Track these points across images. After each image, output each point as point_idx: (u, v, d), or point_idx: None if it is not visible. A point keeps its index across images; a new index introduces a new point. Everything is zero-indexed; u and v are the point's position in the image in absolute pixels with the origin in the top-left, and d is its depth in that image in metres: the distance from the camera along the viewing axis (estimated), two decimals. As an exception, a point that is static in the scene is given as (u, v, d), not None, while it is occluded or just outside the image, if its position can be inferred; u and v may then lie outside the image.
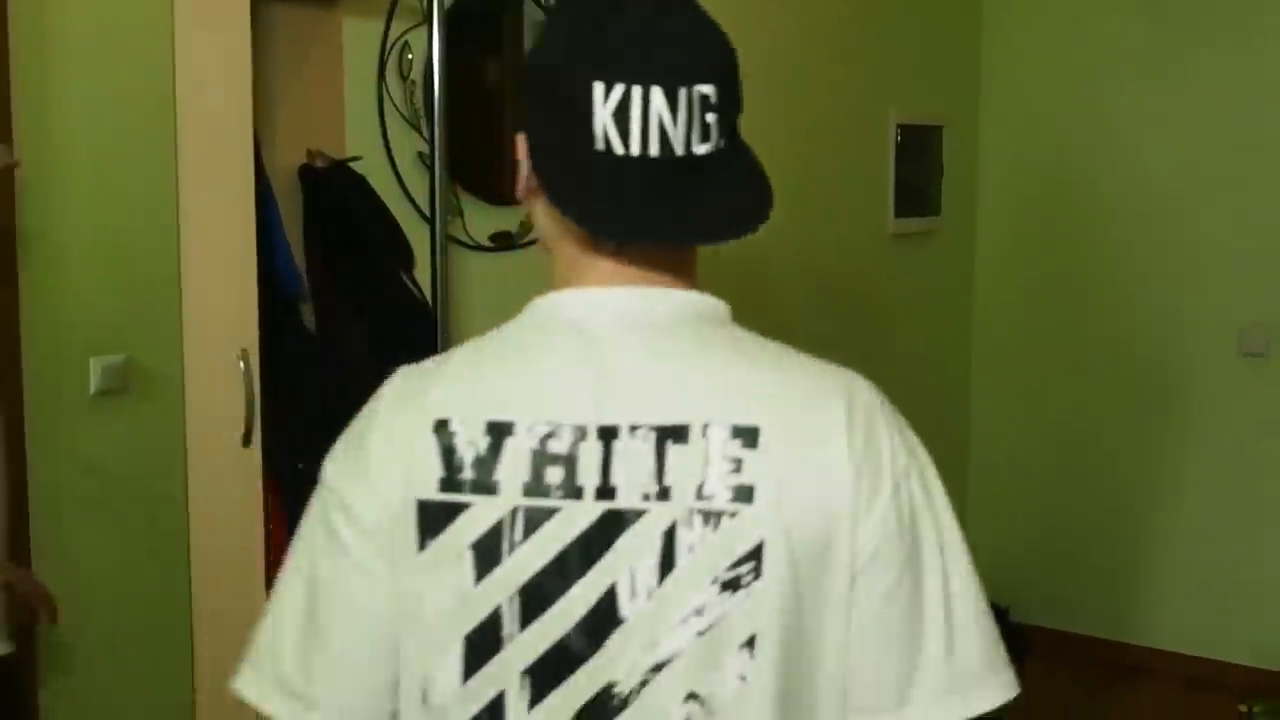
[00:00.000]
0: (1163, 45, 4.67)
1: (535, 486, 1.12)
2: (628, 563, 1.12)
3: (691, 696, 1.12)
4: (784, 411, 1.16)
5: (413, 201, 2.82)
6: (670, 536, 1.12)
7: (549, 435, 1.13)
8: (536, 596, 1.12)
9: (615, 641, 1.12)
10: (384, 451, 1.18)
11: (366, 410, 1.24)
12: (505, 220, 3.07)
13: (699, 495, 1.12)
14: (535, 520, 1.12)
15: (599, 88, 1.16)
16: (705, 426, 1.14)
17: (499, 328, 1.27)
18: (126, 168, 2.09)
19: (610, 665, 1.12)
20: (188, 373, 2.00)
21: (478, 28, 3.00)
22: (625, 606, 1.12)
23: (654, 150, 1.16)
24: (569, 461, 1.13)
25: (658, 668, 1.12)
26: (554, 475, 1.12)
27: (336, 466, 1.22)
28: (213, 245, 2.00)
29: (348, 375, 2.59)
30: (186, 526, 2.01)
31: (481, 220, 2.99)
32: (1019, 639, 5.01)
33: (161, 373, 2.12)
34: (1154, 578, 4.81)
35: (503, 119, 3.17)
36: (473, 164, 2.94)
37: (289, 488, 2.31)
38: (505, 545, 1.12)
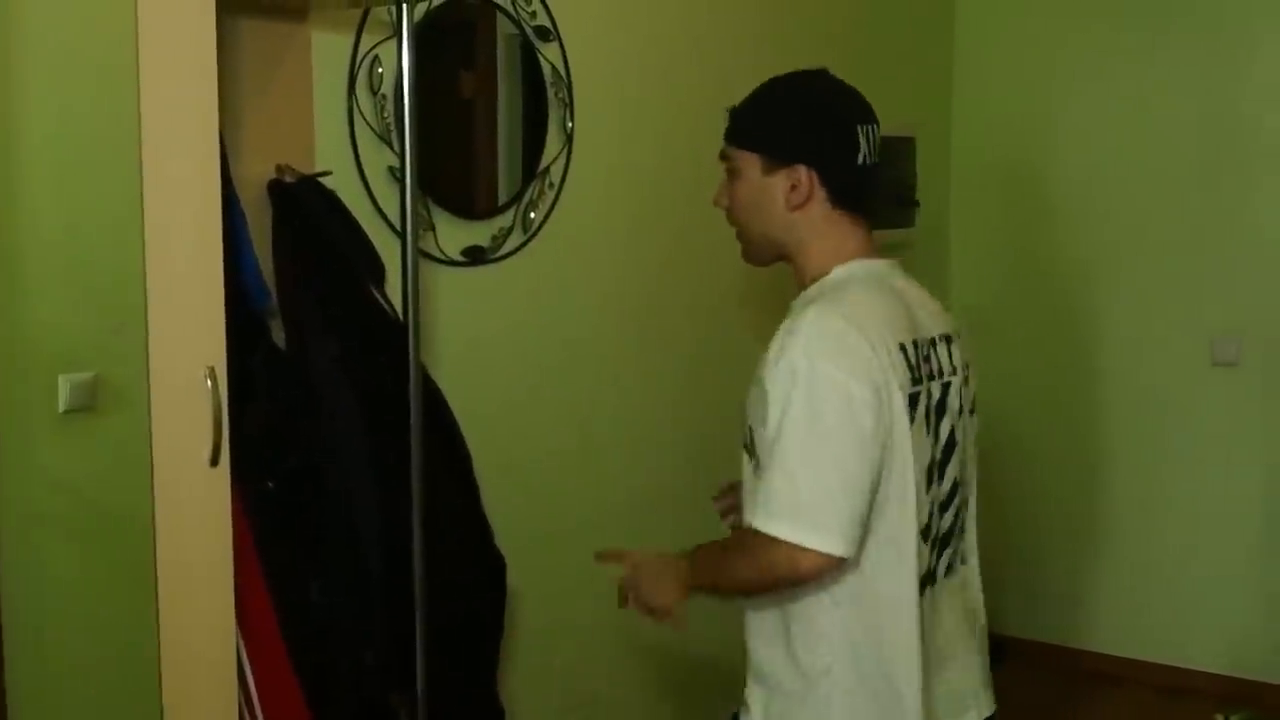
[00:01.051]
0: (1132, 55, 4.69)
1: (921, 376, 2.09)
2: (954, 407, 2.21)
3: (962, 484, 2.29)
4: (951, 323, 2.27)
5: (384, 216, 2.80)
6: (958, 392, 2.24)
7: (917, 344, 2.09)
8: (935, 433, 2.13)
9: (957, 451, 2.21)
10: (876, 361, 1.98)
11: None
12: (477, 235, 3.06)
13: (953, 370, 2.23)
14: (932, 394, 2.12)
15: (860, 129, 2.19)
16: (943, 335, 2.21)
17: (846, 286, 2.12)
18: (92, 183, 2.07)
19: (956, 466, 2.23)
20: (154, 390, 1.98)
21: (450, 40, 3.00)
22: (958, 432, 2.21)
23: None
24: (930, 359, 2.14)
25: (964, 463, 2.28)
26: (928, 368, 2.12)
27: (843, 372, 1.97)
28: (179, 260, 1.99)
29: (317, 391, 2.58)
30: (153, 545, 1.99)
31: (453, 234, 2.99)
32: (996, 649, 5.01)
33: (129, 390, 2.10)
34: (1128, 586, 4.82)
35: (475, 132, 3.17)
36: (444, 178, 2.93)
37: (255, 507, 2.29)
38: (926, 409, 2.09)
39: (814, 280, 2.14)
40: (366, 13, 2.73)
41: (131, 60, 1.92)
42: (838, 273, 2.12)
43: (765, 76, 4.02)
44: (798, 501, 1.91)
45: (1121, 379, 4.79)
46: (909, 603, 2.04)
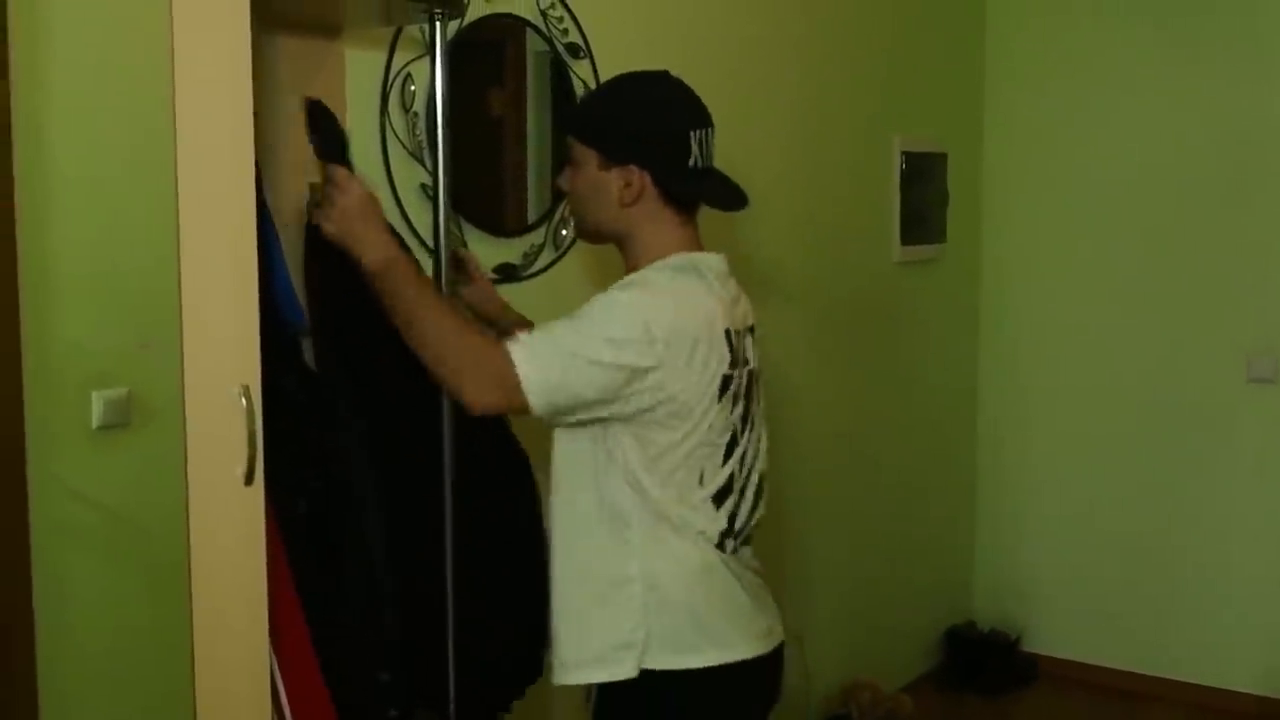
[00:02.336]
0: (1167, 69, 4.67)
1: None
2: (755, 393, 2.39)
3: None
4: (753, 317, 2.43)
5: (415, 233, 2.81)
6: (758, 379, 2.40)
7: (738, 332, 2.33)
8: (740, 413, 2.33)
9: (753, 433, 2.38)
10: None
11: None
12: (508, 252, 3.06)
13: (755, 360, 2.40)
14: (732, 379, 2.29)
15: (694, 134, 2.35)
16: (749, 327, 2.40)
17: (667, 270, 2.29)
18: (127, 200, 2.08)
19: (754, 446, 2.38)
20: (189, 407, 1.98)
21: (480, 58, 3.00)
22: (756, 417, 2.39)
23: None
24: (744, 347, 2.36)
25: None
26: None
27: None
28: (214, 278, 1.99)
29: (347, 412, 2.57)
30: (188, 564, 1.99)
31: (485, 252, 2.99)
32: (1028, 667, 5.00)
33: (163, 407, 2.10)
34: (1163, 605, 4.79)
35: (505, 149, 3.17)
36: (475, 196, 2.94)
37: (289, 527, 2.29)
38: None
39: (635, 268, 2.33)
40: (399, 31, 2.74)
41: (167, 77, 1.93)
42: (660, 262, 2.31)
43: (797, 96, 4.04)
44: (541, 353, 2.15)
45: (1156, 396, 4.76)
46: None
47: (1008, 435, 5.11)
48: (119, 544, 2.10)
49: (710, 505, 2.29)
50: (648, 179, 2.30)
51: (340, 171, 2.26)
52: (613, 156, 2.31)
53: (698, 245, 2.36)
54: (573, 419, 2.22)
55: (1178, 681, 4.75)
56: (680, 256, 2.31)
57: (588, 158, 2.33)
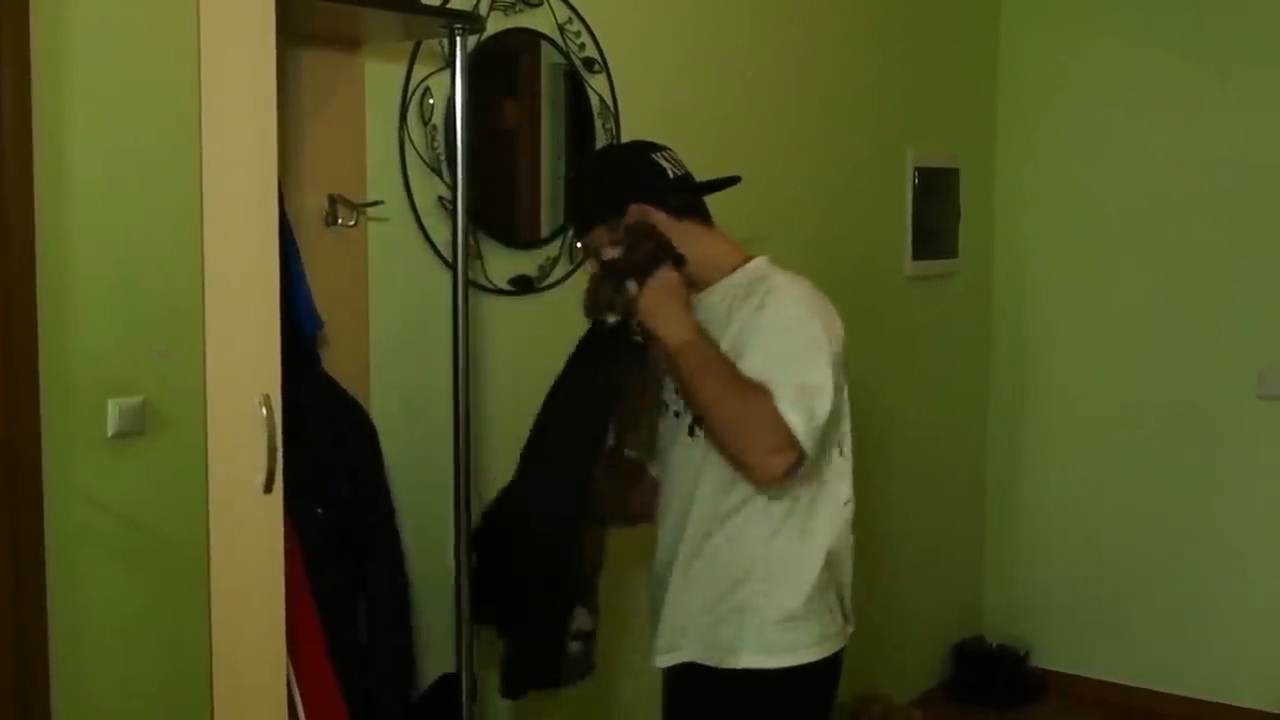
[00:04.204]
0: (1179, 87, 4.68)
1: None
2: None
3: None
4: None
5: (433, 245, 2.82)
6: None
7: None
8: None
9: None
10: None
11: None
12: (524, 264, 3.07)
13: None
14: None
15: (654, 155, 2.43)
16: None
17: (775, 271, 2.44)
18: (150, 209, 2.10)
19: None
20: (209, 415, 1.99)
21: (496, 72, 3.01)
22: None
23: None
24: None
25: None
26: None
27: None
28: (236, 287, 2.00)
29: (364, 420, 2.59)
30: (207, 572, 2.00)
31: (500, 264, 3.00)
32: (1036, 683, 4.99)
33: (180, 415, 2.12)
34: (1171, 621, 4.78)
35: (520, 162, 3.18)
36: (491, 208, 2.95)
37: (305, 533, 2.30)
38: None
39: (716, 274, 2.42)
40: (419, 44, 2.75)
41: (192, 89, 1.94)
42: (751, 267, 2.43)
43: (811, 110, 4.05)
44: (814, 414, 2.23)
45: (1167, 411, 4.76)
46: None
47: (1018, 450, 5.11)
48: (136, 551, 2.11)
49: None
50: (648, 208, 2.37)
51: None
52: (610, 216, 2.38)
53: (738, 246, 2.47)
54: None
55: (1187, 698, 4.74)
56: (760, 262, 2.43)
57: (600, 239, 2.40)
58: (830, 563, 2.39)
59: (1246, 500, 4.63)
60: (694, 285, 2.40)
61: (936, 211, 4.69)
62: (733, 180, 2.51)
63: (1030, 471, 5.08)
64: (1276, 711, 4.57)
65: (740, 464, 2.26)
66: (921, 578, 4.78)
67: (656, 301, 2.30)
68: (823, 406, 2.23)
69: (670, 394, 2.42)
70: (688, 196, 2.44)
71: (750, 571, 2.34)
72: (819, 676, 2.40)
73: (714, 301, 2.39)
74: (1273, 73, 4.51)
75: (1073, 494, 4.99)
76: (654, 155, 2.43)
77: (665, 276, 2.31)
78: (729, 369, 2.25)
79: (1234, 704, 4.65)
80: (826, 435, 2.29)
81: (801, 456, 2.22)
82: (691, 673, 2.41)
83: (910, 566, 4.70)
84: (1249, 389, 4.58)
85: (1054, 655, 5.00)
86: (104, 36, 2.03)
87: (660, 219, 2.38)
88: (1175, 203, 4.70)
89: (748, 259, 2.43)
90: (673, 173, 2.42)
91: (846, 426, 2.42)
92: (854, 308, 4.27)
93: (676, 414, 2.41)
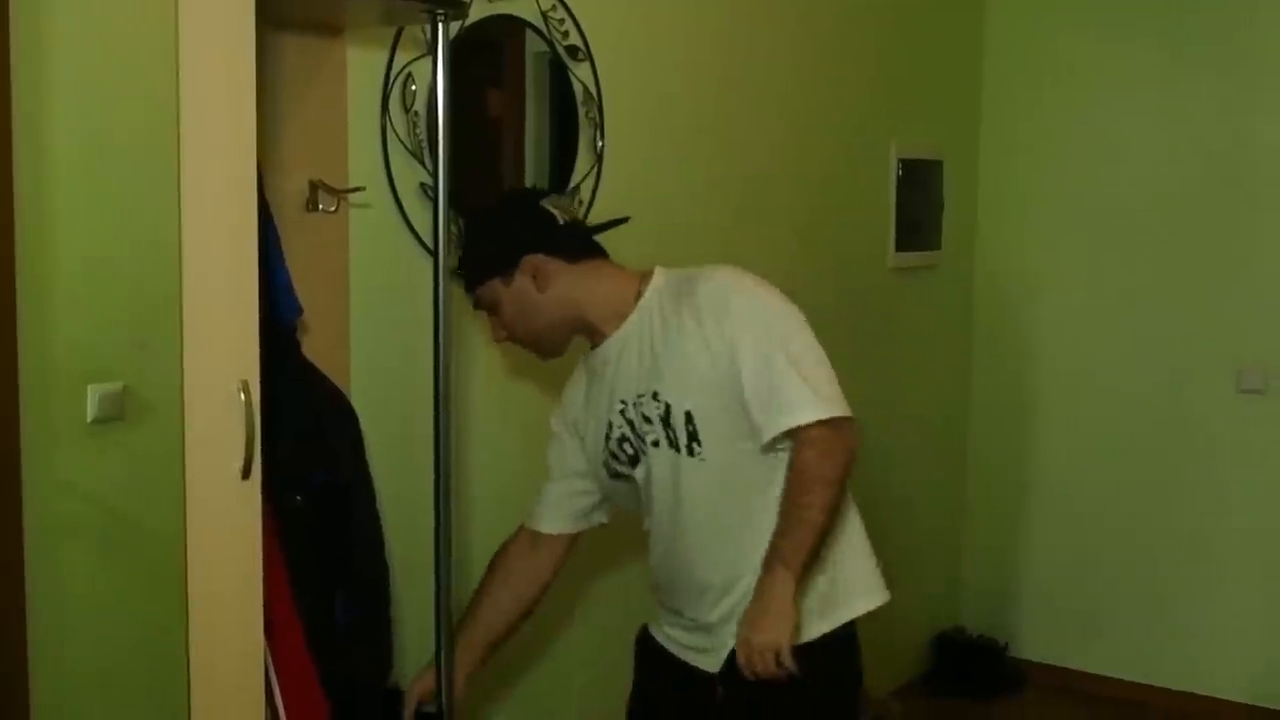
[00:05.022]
0: (1163, 82, 4.69)
1: None
2: None
3: None
4: None
5: (414, 232, 2.81)
6: None
7: None
8: None
9: None
10: None
11: None
12: (506, 251, 3.06)
13: None
14: None
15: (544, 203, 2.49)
16: None
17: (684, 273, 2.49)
18: (128, 193, 2.08)
19: None
20: (187, 402, 1.98)
21: (479, 58, 3.00)
22: None
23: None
24: None
25: None
26: None
27: None
28: (214, 273, 1.99)
29: (345, 407, 2.58)
30: (184, 558, 1.99)
31: (482, 251, 2.99)
32: (1016, 674, 5.00)
33: (159, 402, 2.10)
34: (1151, 613, 4.80)
35: (503, 150, 3.17)
36: (473, 195, 2.94)
37: (284, 521, 2.29)
38: None
39: (636, 297, 2.45)
40: (400, 31, 2.74)
41: (171, 74, 1.93)
42: (660, 272, 2.47)
43: (795, 101, 4.05)
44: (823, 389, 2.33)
45: (1148, 405, 4.77)
46: None
47: (999, 441, 5.12)
48: (115, 538, 2.10)
49: None
50: (541, 257, 2.42)
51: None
52: (505, 269, 2.43)
53: (633, 272, 2.49)
54: None
55: (1165, 689, 4.76)
56: (659, 277, 2.47)
57: (494, 290, 2.45)
58: None
59: (1226, 493, 4.65)
60: (598, 334, 2.47)
61: (920, 203, 4.69)
62: (621, 221, 2.56)
63: (1011, 463, 5.09)
64: (1253, 703, 4.59)
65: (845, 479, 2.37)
66: (902, 569, 4.76)
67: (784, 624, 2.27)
68: (823, 364, 2.35)
69: (635, 429, 2.45)
70: (581, 239, 2.49)
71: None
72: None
73: (630, 334, 2.43)
74: (1257, 67, 4.52)
75: (1054, 486, 5.00)
76: (543, 203, 2.48)
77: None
78: (800, 512, 2.29)
79: (1212, 695, 4.68)
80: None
81: (848, 418, 2.32)
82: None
83: (891, 558, 4.68)
84: (1230, 384, 4.60)
85: (1034, 646, 5.02)
86: (83, 21, 2.01)
87: (557, 266, 2.43)
88: (1159, 197, 4.71)
89: (644, 277, 2.47)
90: (562, 219, 2.47)
91: None
92: (837, 299, 4.30)
93: (657, 443, 2.42)
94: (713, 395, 2.34)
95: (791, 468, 2.31)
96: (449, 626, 2.53)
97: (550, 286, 2.43)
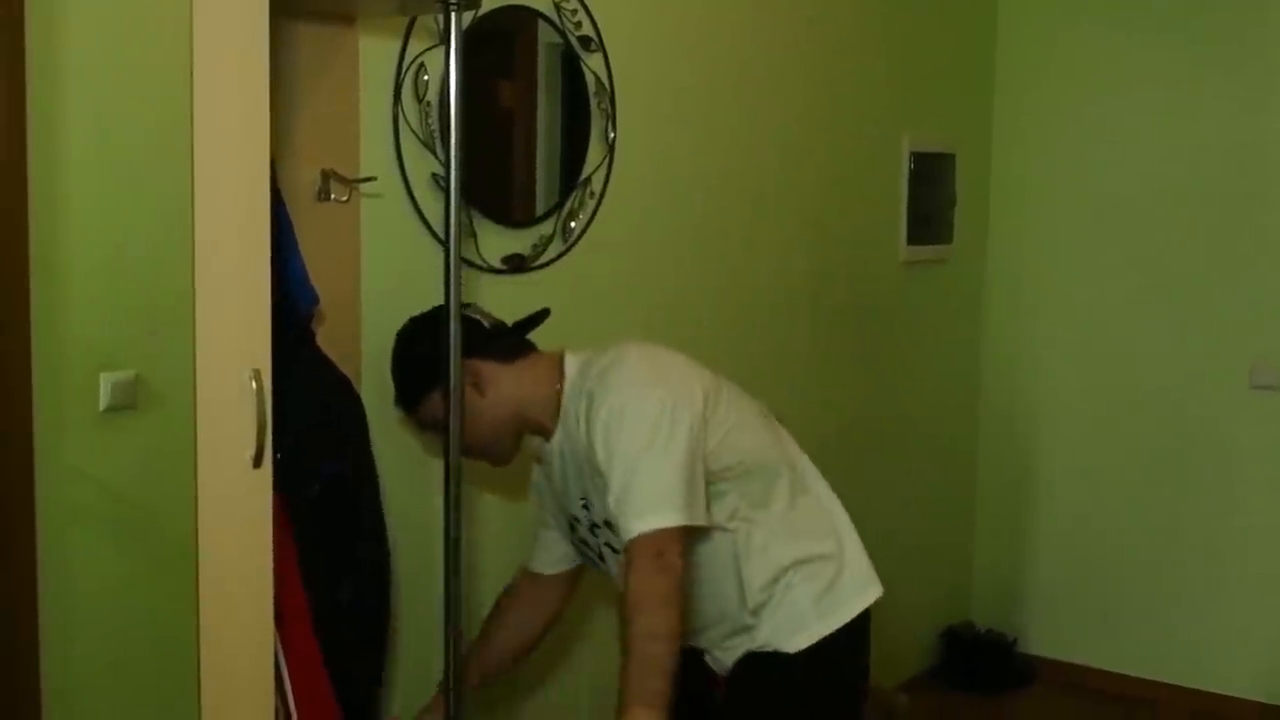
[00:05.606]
0: (1177, 75, 4.67)
1: None
2: None
3: None
4: None
5: (426, 222, 2.81)
6: None
7: None
8: None
9: None
10: None
11: None
12: (517, 243, 3.06)
13: None
14: None
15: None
16: None
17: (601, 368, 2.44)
18: (141, 182, 2.08)
19: None
20: (199, 391, 1.99)
21: (491, 49, 3.00)
22: None
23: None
24: None
25: None
26: None
27: None
28: (227, 262, 1.99)
29: (354, 398, 2.58)
30: (195, 547, 1.99)
31: (493, 242, 2.99)
32: (1024, 669, 5.00)
33: (172, 390, 2.11)
34: (1162, 609, 4.79)
35: (515, 140, 3.17)
36: (485, 186, 2.94)
37: (295, 510, 2.29)
38: None
39: (558, 402, 2.46)
40: (414, 20, 2.74)
41: (184, 62, 1.93)
42: (578, 381, 2.45)
43: (807, 94, 4.03)
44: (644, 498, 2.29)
45: (1160, 400, 4.76)
46: None
47: (1009, 436, 5.11)
48: (126, 526, 2.10)
49: None
50: (477, 362, 2.44)
51: None
52: (442, 382, 2.38)
53: (552, 357, 2.52)
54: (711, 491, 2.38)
55: (1177, 686, 4.75)
56: (570, 367, 2.48)
57: (435, 407, 2.43)
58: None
59: (1237, 489, 4.63)
60: (545, 430, 2.48)
61: (932, 197, 4.68)
62: (543, 314, 2.58)
63: (1021, 458, 5.08)
64: (1263, 700, 4.58)
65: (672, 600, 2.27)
66: (911, 563, 4.78)
67: None
68: (665, 485, 2.25)
69: (594, 533, 2.49)
70: (508, 338, 2.52)
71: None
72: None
73: (572, 428, 2.42)
74: (1271, 62, 4.50)
75: (1064, 481, 4.99)
76: (469, 318, 2.47)
77: None
78: (655, 662, 2.20)
79: (1222, 692, 4.67)
80: (702, 489, 2.33)
81: (682, 534, 2.26)
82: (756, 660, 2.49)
83: (900, 552, 4.69)
84: (1243, 379, 4.59)
85: (1042, 641, 5.02)
86: (97, 11, 2.01)
87: (493, 369, 2.45)
88: (1171, 192, 4.70)
89: (559, 366, 2.49)
90: (487, 323, 2.51)
91: (743, 447, 2.45)
92: (848, 292, 4.30)
93: (613, 548, 2.43)
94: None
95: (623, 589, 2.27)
96: (458, 618, 2.53)
97: (490, 389, 2.45)
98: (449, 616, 2.50)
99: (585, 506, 2.44)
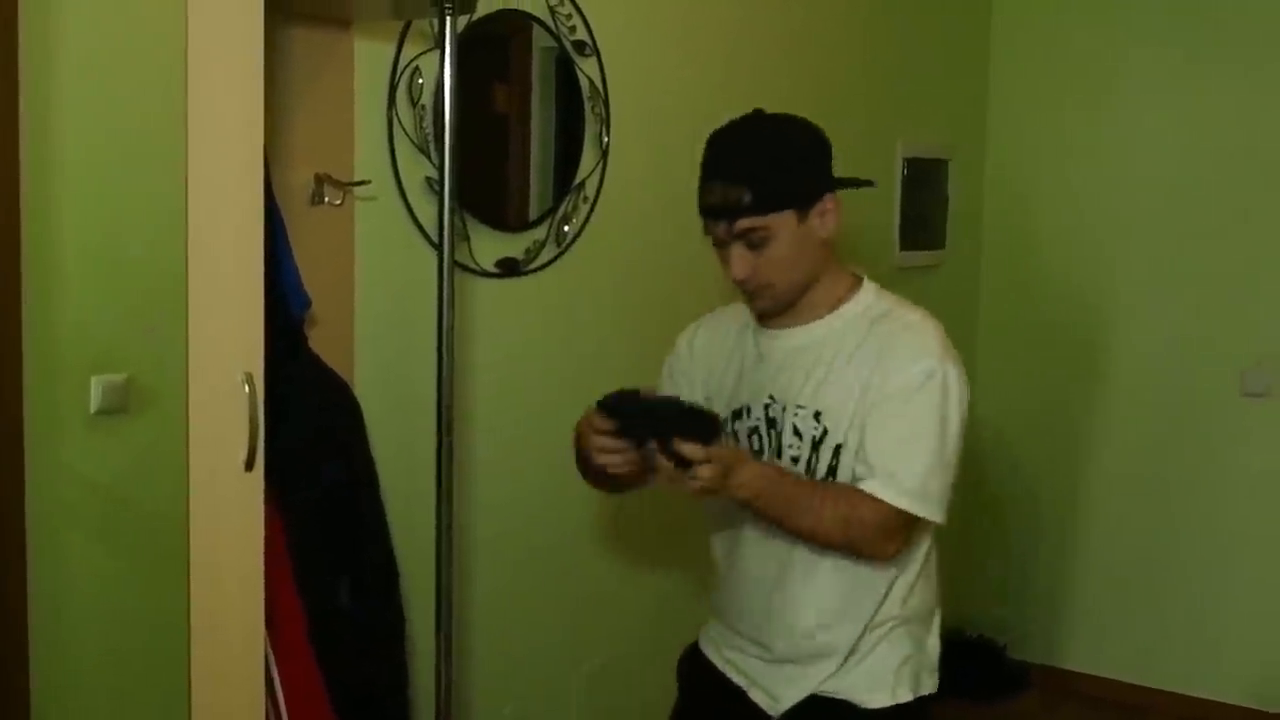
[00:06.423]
0: (1169, 82, 4.68)
1: None
2: None
3: None
4: None
5: (420, 226, 2.81)
6: None
7: None
8: None
9: None
10: None
11: None
12: (511, 247, 3.06)
13: None
14: None
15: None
16: None
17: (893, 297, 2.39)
18: (135, 184, 2.08)
19: None
20: (191, 393, 1.98)
21: (487, 53, 3.00)
22: None
23: None
24: None
25: None
26: None
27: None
28: (220, 265, 1.99)
29: (349, 400, 2.58)
30: (187, 549, 1.99)
31: (487, 246, 2.99)
32: (1016, 675, 5.00)
33: (164, 393, 2.11)
34: (1154, 616, 4.79)
35: (510, 144, 3.17)
36: (479, 190, 2.94)
37: (290, 513, 2.29)
38: None
39: (842, 298, 2.30)
40: (409, 24, 2.74)
41: (179, 63, 1.93)
42: (870, 288, 2.34)
43: (801, 98, 4.01)
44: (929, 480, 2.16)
45: (1152, 407, 4.77)
46: None
47: (1001, 442, 5.11)
48: (118, 527, 2.10)
49: None
50: (836, 200, 2.23)
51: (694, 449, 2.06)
52: (808, 202, 2.19)
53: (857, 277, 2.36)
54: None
55: (1166, 692, 4.75)
56: (871, 294, 2.32)
57: (783, 224, 2.17)
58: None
59: (1229, 496, 4.64)
60: (803, 311, 2.27)
61: (925, 202, 4.68)
62: (868, 182, 2.35)
63: (1013, 464, 5.09)
64: (1255, 706, 4.59)
65: (853, 555, 2.20)
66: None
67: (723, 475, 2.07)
68: (942, 482, 2.18)
69: (776, 432, 2.27)
70: (851, 184, 2.29)
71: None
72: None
73: (825, 336, 2.25)
74: (1265, 69, 4.51)
75: (1056, 487, 4.99)
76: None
77: (726, 456, 2.08)
78: (815, 496, 2.14)
79: (1213, 699, 4.66)
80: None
81: (918, 534, 2.23)
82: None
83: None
84: (1234, 387, 4.59)
85: (1034, 647, 5.02)
86: (91, 12, 2.01)
87: (838, 218, 2.24)
88: (1164, 198, 4.70)
89: (856, 283, 2.32)
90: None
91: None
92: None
93: (796, 460, 2.24)
94: (856, 434, 2.18)
95: (853, 486, 2.16)
96: (450, 618, 2.53)
97: (832, 224, 2.23)
98: (441, 614, 2.50)
99: (815, 416, 2.21)
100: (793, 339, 2.27)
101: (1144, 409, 4.78)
